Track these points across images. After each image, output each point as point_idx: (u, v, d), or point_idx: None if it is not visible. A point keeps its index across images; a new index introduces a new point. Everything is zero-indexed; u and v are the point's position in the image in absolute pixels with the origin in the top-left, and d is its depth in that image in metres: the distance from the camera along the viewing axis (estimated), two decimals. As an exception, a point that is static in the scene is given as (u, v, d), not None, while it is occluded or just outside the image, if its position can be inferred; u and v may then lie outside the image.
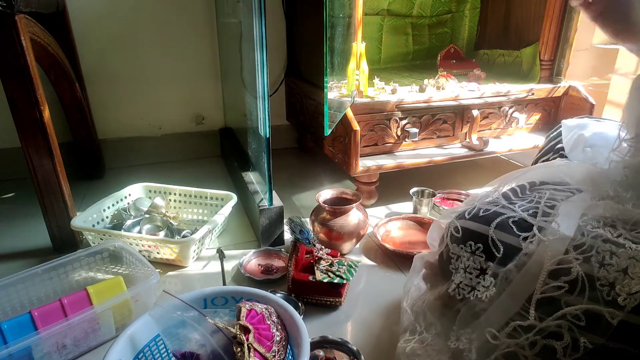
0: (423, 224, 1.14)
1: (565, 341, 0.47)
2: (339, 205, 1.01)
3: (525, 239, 0.55)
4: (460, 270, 0.60)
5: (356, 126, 1.12)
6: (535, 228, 0.54)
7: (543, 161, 0.80)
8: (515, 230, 0.56)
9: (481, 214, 0.60)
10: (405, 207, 1.29)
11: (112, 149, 1.60)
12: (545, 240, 0.52)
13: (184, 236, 1.08)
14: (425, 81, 1.31)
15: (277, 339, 0.56)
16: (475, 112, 1.27)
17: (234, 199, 1.14)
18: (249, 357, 0.52)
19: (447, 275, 0.63)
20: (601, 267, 0.48)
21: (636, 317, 0.45)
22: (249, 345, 0.53)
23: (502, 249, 0.55)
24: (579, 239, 0.51)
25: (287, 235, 1.08)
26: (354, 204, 1.00)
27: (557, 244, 0.51)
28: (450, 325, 0.61)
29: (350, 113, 1.14)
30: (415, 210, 1.23)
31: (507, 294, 0.53)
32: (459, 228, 0.61)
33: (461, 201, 1.27)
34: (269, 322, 0.57)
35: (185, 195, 1.19)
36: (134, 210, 1.15)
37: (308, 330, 0.58)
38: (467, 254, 0.59)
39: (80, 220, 1.01)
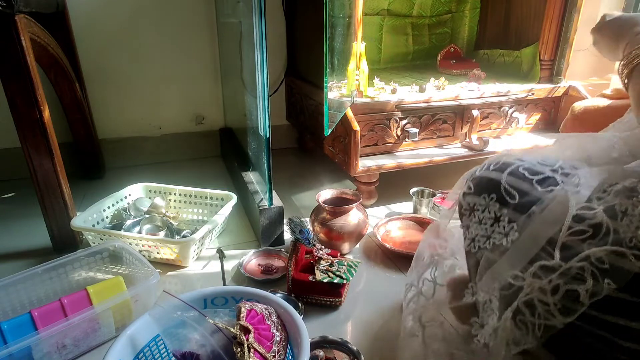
0: (423, 224, 1.14)
1: (588, 285, 0.47)
2: (339, 205, 1.01)
3: (538, 182, 0.55)
4: (473, 225, 0.60)
5: (356, 126, 1.12)
6: (558, 179, 0.55)
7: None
8: (527, 175, 0.56)
9: (492, 167, 0.61)
10: (405, 207, 1.29)
11: (112, 149, 1.60)
12: (567, 190, 0.52)
13: (184, 236, 1.08)
14: (431, 80, 1.31)
15: (277, 339, 0.56)
16: (475, 112, 1.27)
17: (234, 199, 1.14)
18: (249, 357, 0.52)
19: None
20: (624, 216, 0.48)
21: None
22: (249, 345, 0.53)
23: (516, 195, 0.56)
24: (600, 194, 0.51)
25: (287, 235, 1.08)
26: (354, 204, 1.00)
27: (581, 192, 0.52)
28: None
29: (350, 113, 1.14)
30: (415, 210, 1.23)
31: (527, 235, 0.53)
32: (471, 185, 0.62)
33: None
34: (269, 322, 0.57)
35: (185, 195, 1.19)
36: (134, 210, 1.15)
37: (308, 330, 0.58)
38: (482, 207, 0.59)
39: (80, 220, 1.01)
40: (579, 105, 0.81)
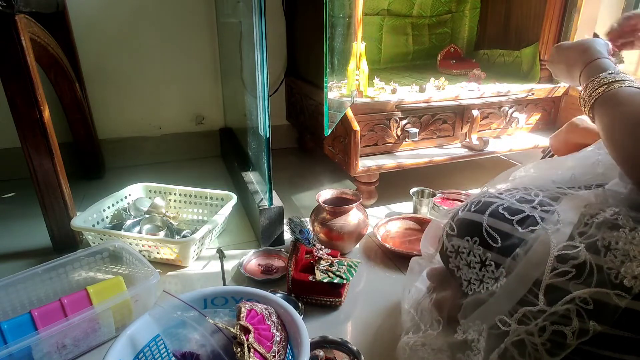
0: (423, 224, 1.14)
1: (574, 326, 0.47)
2: (339, 205, 1.01)
3: (518, 222, 0.55)
4: (463, 267, 0.60)
5: (356, 126, 1.12)
6: (537, 216, 0.55)
7: None
8: (507, 215, 0.57)
9: (473, 208, 0.62)
10: (405, 207, 1.29)
11: (112, 149, 1.60)
12: (548, 229, 0.52)
13: (184, 236, 1.08)
14: (431, 80, 1.31)
15: (277, 339, 0.56)
16: (475, 112, 1.27)
17: (234, 199, 1.14)
18: (249, 357, 0.52)
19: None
20: (607, 252, 0.48)
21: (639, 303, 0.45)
22: (249, 345, 0.53)
23: (498, 238, 0.56)
24: (582, 228, 0.51)
25: (287, 235, 1.08)
26: (354, 204, 1.00)
27: (562, 230, 0.52)
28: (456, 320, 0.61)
29: (350, 113, 1.14)
30: (415, 210, 1.23)
31: (513, 277, 0.53)
32: (454, 226, 0.63)
33: (461, 201, 1.27)
34: (269, 323, 0.57)
35: (185, 195, 1.19)
36: (134, 210, 1.14)
37: (308, 330, 0.58)
38: (466, 249, 0.60)
39: (80, 220, 1.01)
40: (581, 123, 0.79)
